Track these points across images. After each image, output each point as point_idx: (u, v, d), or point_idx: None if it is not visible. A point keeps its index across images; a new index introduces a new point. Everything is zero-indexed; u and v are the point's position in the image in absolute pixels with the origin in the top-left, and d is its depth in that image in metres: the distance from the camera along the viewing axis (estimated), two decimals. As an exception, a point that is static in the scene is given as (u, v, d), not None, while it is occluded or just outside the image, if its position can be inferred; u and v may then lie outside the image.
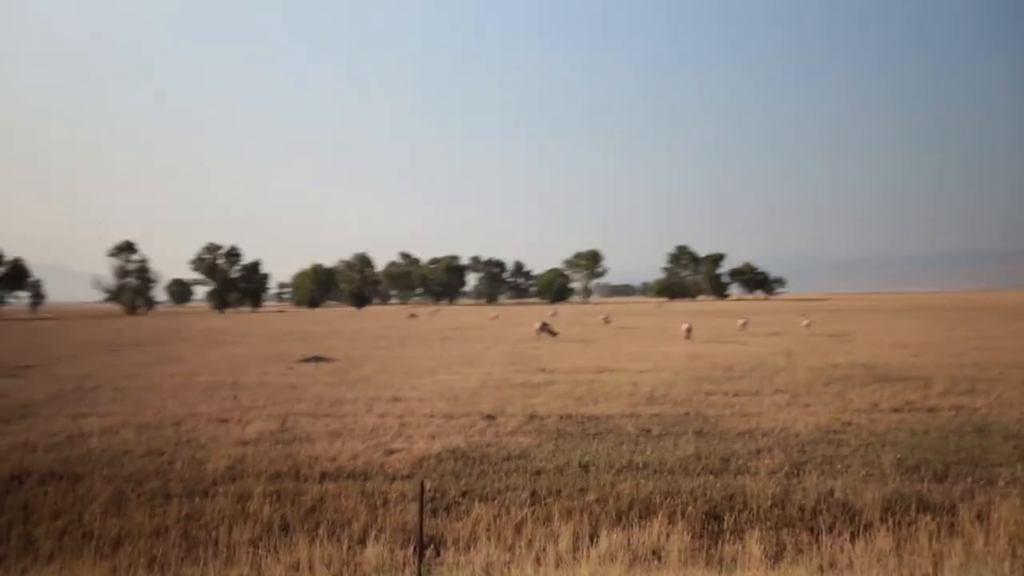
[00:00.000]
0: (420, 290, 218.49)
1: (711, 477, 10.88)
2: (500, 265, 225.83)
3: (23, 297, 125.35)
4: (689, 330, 39.32)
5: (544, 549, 8.87)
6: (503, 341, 40.08)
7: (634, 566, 8.53)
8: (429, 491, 10.54)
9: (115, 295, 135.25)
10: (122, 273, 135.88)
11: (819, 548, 8.90)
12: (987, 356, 26.61)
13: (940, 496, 10.10)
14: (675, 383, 20.21)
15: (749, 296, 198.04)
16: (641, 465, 11.45)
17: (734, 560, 8.78)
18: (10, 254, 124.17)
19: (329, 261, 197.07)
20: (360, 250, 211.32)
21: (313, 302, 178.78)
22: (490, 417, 15.43)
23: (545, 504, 9.98)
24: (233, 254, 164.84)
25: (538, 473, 11.19)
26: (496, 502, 10.08)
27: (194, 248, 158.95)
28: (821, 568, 8.51)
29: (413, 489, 10.48)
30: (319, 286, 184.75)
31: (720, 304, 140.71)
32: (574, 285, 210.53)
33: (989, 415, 15.15)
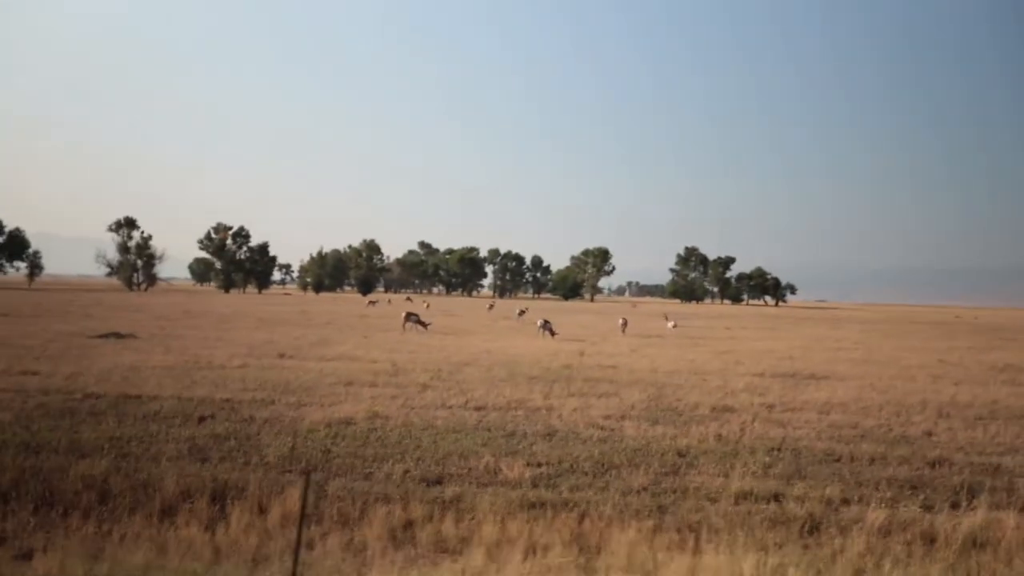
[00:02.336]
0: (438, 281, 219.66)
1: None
2: (519, 259, 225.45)
3: (21, 268, 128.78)
4: (544, 324, 39.01)
5: None
6: (364, 329, 40.27)
7: None
8: None
9: (115, 270, 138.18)
10: (123, 249, 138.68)
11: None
12: (768, 363, 26.10)
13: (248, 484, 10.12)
14: (360, 372, 20.35)
15: (757, 302, 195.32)
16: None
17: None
18: (11, 223, 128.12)
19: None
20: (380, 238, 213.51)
21: (319, 286, 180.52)
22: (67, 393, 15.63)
23: None
24: (242, 235, 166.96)
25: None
26: None
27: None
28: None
29: None
30: (328, 271, 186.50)
31: (700, 308, 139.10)
32: (603, 283, 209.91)
33: (538, 418, 15.01)
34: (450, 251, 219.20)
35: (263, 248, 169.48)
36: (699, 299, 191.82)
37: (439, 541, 9.21)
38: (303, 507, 7.81)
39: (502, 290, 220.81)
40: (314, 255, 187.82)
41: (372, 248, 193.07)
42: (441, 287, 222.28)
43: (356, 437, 12.78)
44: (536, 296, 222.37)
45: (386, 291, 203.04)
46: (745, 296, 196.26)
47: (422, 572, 8.24)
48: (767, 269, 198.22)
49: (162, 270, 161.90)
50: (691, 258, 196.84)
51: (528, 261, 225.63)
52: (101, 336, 28.74)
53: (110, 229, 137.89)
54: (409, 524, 9.59)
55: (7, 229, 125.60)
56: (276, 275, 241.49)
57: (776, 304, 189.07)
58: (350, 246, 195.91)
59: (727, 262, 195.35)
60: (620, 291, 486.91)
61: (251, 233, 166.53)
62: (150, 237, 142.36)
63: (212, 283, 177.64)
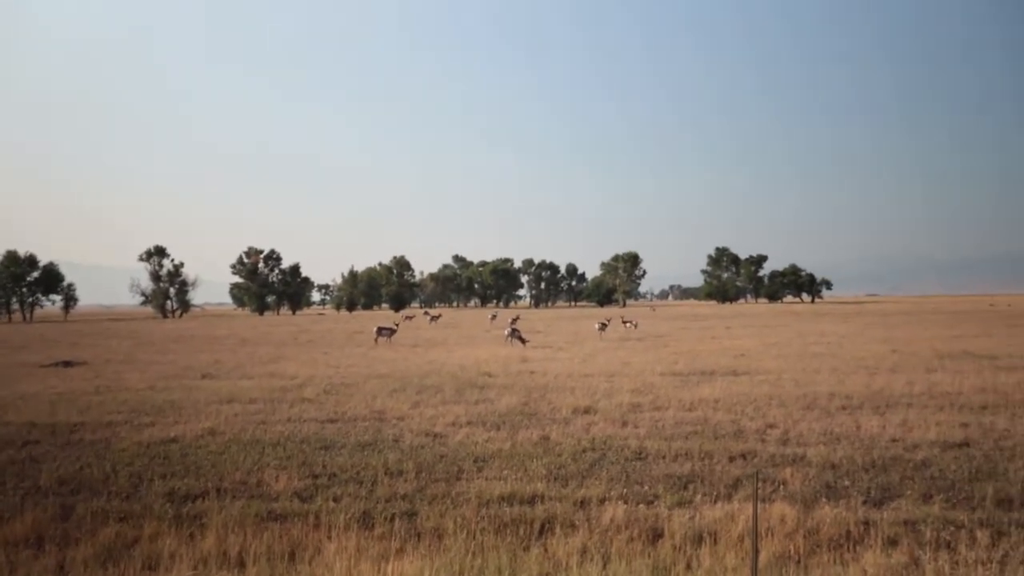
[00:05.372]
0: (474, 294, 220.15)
1: None
2: (553, 268, 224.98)
3: (56, 301, 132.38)
4: (512, 333, 38.85)
5: None
6: (342, 346, 40.50)
7: None
8: None
9: (148, 299, 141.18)
10: (155, 277, 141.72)
11: None
12: (704, 363, 25.59)
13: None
14: (257, 390, 20.40)
15: (794, 299, 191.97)
16: None
17: None
18: (48, 256, 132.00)
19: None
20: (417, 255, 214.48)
21: (351, 305, 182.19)
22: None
23: None
24: (273, 258, 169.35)
25: None
26: None
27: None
28: None
29: None
30: (361, 290, 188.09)
31: (726, 308, 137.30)
32: (644, 287, 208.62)
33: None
34: (484, 263, 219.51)
35: (295, 270, 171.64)
36: (732, 299, 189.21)
37: (153, 558, 9.13)
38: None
39: (537, 300, 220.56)
40: (345, 275, 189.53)
41: (402, 264, 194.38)
42: (476, 300, 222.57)
43: (160, 455, 12.80)
44: (572, 304, 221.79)
45: (421, 307, 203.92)
46: (786, 294, 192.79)
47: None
48: (832, 265, 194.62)
49: (204, 296, 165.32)
50: (722, 258, 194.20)
51: (563, 270, 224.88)
52: (49, 365, 29.26)
53: (141, 259, 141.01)
54: (135, 542, 9.54)
55: (41, 263, 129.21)
56: (316, 296, 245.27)
57: (812, 301, 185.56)
58: (380, 263, 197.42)
59: (759, 260, 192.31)
60: (663, 295, 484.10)
61: (282, 256, 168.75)
62: (181, 264, 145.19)
63: (248, 307, 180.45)
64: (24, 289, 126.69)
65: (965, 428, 13.64)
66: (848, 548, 8.44)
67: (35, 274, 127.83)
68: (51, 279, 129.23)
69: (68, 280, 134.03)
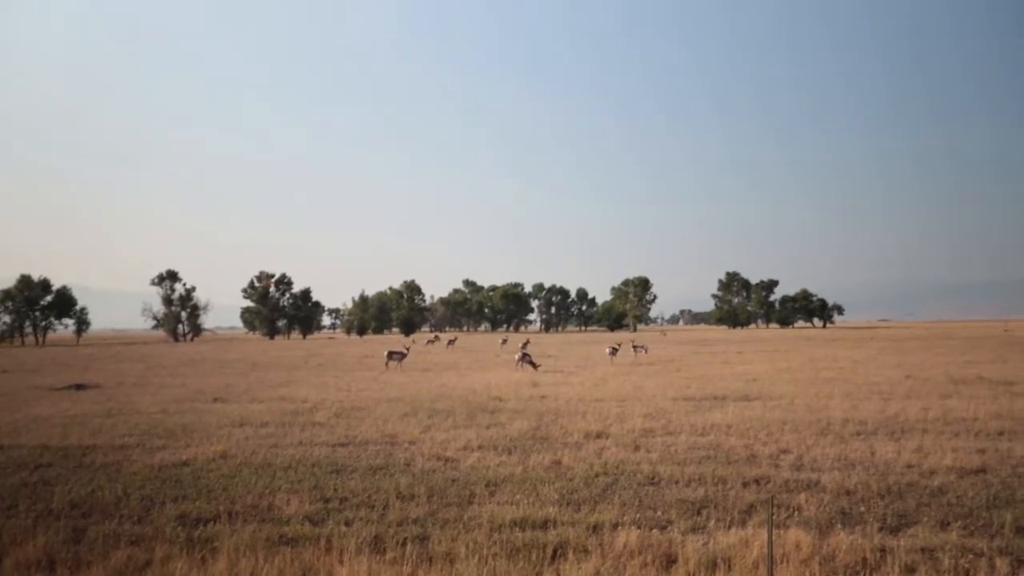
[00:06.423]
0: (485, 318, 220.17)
1: None
2: (563, 293, 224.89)
3: (69, 324, 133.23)
4: (523, 357, 38.80)
5: None
6: (352, 369, 40.50)
7: None
8: None
9: (160, 322, 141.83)
10: (167, 301, 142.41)
11: None
12: (717, 387, 25.47)
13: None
14: (268, 413, 20.37)
15: (806, 324, 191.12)
16: None
17: None
18: (62, 280, 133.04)
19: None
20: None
21: (362, 329, 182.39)
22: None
23: None
24: (284, 282, 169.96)
25: None
26: None
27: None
28: None
29: None
30: (372, 314, 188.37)
31: (737, 332, 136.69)
32: (655, 312, 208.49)
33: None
34: (494, 288, 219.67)
35: (306, 294, 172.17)
36: (743, 324, 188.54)
37: (162, 582, 9.10)
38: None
39: (547, 324, 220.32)
40: (356, 299, 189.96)
41: (413, 289, 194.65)
42: (487, 325, 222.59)
43: (171, 479, 12.77)
44: (583, 329, 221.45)
45: (431, 331, 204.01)
46: (798, 318, 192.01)
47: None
48: (837, 289, 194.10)
49: (217, 319, 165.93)
50: (733, 283, 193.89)
51: (574, 294, 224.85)
52: (62, 388, 29.35)
53: (153, 283, 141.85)
54: (147, 565, 9.50)
55: (54, 287, 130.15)
56: (326, 320, 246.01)
57: (824, 326, 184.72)
58: (391, 288, 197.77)
59: (770, 285, 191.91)
60: (674, 320, 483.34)
61: (293, 280, 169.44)
62: (193, 288, 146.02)
63: (258, 331, 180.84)
64: (37, 313, 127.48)
65: (982, 454, 13.52)
66: (865, 575, 8.34)
67: (48, 298, 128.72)
68: (64, 303, 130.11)
69: (81, 304, 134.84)
